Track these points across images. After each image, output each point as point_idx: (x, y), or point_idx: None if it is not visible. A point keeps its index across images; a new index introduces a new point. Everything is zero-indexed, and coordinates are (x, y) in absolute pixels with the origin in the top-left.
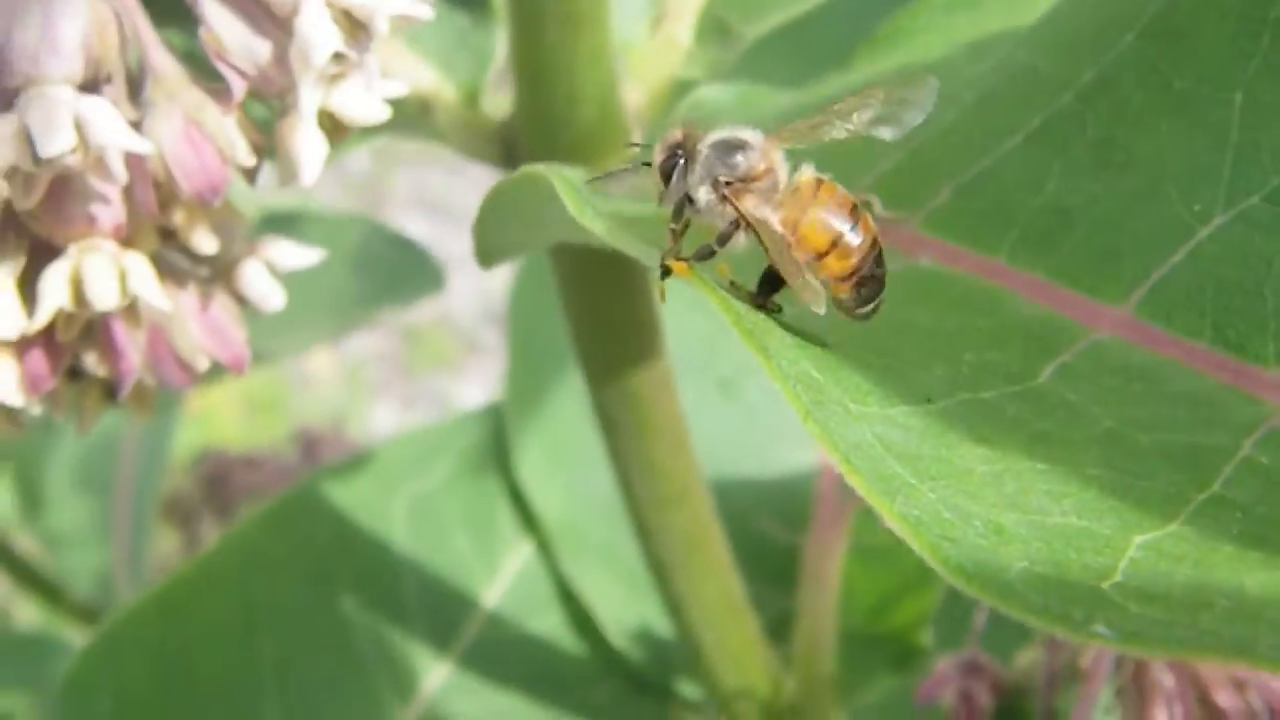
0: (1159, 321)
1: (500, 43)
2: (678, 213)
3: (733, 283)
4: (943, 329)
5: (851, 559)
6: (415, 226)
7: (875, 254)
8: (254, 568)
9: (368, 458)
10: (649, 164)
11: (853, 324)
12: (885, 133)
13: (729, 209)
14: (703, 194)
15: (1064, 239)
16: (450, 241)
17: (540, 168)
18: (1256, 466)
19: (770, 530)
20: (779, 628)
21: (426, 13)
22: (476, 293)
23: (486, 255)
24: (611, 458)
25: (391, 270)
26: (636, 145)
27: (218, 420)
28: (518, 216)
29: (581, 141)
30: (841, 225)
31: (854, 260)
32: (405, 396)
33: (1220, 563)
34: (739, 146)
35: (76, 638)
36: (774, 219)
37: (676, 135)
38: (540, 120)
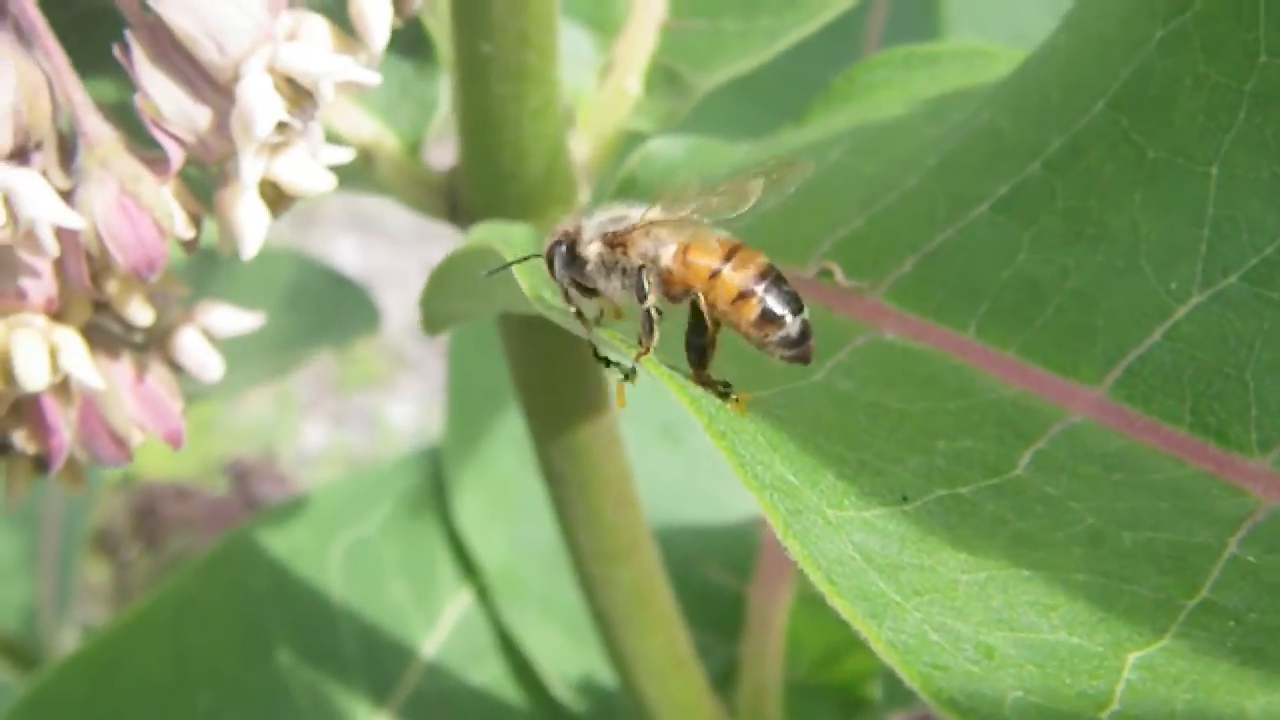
0: (1136, 404)
1: (444, 92)
2: (571, 294)
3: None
4: (913, 412)
5: (798, 608)
6: (346, 244)
7: (774, 274)
8: (186, 619)
9: (303, 503)
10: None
11: (822, 407)
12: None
13: (622, 256)
14: (593, 250)
15: (1035, 314)
16: (379, 258)
17: (491, 238)
18: (1244, 566)
19: (715, 577)
20: (725, 677)
21: (374, 79)
22: (406, 308)
23: (434, 323)
24: (556, 511)
25: (327, 309)
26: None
27: (146, 441)
28: (468, 289)
29: (528, 195)
30: (717, 258)
31: (744, 281)
32: (336, 414)
33: (1219, 683)
34: (622, 215)
35: (1, 674)
36: (667, 254)
37: (565, 225)
38: (485, 173)
